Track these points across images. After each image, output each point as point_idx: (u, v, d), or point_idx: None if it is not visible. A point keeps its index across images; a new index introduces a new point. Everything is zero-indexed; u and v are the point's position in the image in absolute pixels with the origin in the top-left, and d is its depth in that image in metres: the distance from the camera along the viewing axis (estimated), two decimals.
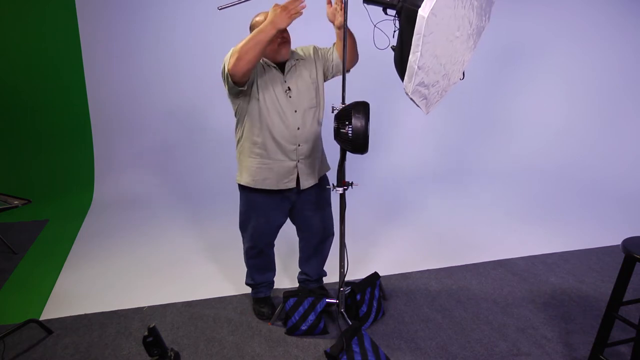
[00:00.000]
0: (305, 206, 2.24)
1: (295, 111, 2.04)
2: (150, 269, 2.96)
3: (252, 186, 2.13)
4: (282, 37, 1.96)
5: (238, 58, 1.80)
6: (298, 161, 2.11)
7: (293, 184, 2.13)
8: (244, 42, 1.81)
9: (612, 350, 2.07)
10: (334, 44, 2.17)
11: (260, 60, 2.01)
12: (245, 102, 2.03)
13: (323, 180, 2.27)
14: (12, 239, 3.31)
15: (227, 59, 1.86)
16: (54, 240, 3.41)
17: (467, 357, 2.10)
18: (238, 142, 2.16)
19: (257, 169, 2.10)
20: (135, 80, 4.36)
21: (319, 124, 2.17)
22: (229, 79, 1.89)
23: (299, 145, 2.08)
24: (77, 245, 3.33)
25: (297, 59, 2.09)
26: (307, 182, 2.16)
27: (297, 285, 2.60)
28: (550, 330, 2.27)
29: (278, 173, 2.10)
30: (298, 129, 2.05)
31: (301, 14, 1.80)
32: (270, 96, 2.00)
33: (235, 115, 2.11)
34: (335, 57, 2.14)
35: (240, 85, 1.92)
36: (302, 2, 1.79)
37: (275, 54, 2.00)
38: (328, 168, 2.32)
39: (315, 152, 2.18)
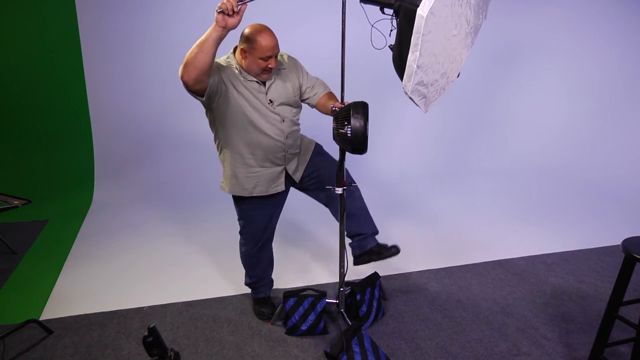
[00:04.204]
0: (304, 181, 2.25)
1: (283, 121, 2.05)
2: (150, 269, 2.96)
3: (243, 195, 2.14)
4: (266, 66, 1.93)
5: (186, 64, 1.74)
6: (285, 165, 2.14)
7: (282, 187, 2.16)
8: (191, 48, 1.75)
9: (612, 350, 2.06)
10: (322, 94, 2.15)
11: (241, 77, 1.96)
12: (227, 113, 1.98)
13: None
14: (12, 239, 3.31)
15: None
16: (54, 240, 3.41)
17: (467, 357, 2.09)
18: (219, 150, 2.14)
19: (245, 177, 2.10)
20: (135, 80, 4.36)
21: (298, 124, 2.18)
22: (186, 89, 1.83)
23: (287, 152, 2.11)
24: (77, 245, 3.33)
25: (278, 69, 2.06)
26: (295, 176, 2.21)
27: (296, 285, 2.60)
28: (550, 330, 2.27)
29: (267, 179, 2.12)
30: (287, 137, 2.08)
31: (236, 12, 1.70)
32: (257, 108, 1.99)
33: (211, 127, 2.09)
34: (314, 101, 2.16)
35: (198, 94, 1.86)
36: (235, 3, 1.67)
37: (257, 76, 1.98)
38: (313, 143, 2.30)
39: (297, 150, 2.20)
